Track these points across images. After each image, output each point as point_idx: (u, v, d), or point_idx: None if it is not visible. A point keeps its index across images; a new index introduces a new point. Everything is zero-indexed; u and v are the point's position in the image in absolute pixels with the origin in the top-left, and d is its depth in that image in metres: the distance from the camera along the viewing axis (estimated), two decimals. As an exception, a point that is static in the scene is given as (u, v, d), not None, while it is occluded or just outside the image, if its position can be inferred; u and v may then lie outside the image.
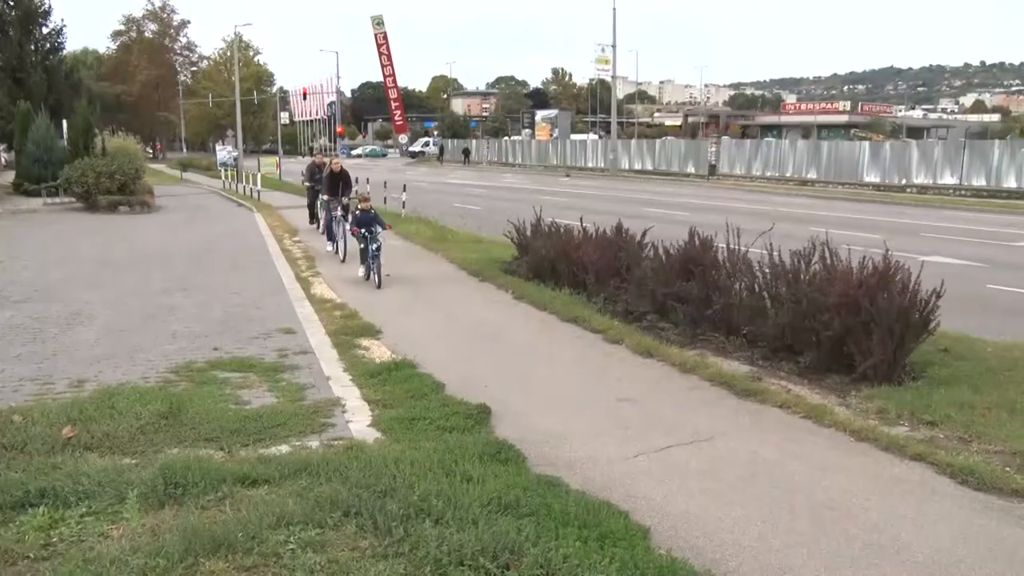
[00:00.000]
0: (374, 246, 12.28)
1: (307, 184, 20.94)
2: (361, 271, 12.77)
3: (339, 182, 16.45)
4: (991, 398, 6.58)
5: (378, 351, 8.58)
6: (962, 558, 4.33)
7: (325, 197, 16.90)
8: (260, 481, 4.80)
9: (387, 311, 10.58)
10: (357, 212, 12.88)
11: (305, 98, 73.63)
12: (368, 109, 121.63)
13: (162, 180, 39.68)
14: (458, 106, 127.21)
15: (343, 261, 14.68)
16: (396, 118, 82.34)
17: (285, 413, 6.31)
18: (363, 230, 12.43)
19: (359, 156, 79.21)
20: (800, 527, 4.67)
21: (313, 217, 20.52)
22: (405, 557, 3.92)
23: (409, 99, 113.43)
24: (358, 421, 6.32)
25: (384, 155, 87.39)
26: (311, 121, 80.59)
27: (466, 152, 70.29)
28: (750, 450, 5.84)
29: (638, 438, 6.08)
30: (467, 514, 4.26)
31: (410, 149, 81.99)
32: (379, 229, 12.51)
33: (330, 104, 77.39)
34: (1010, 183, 33.61)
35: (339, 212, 15.80)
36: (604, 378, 7.73)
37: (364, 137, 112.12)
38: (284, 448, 5.56)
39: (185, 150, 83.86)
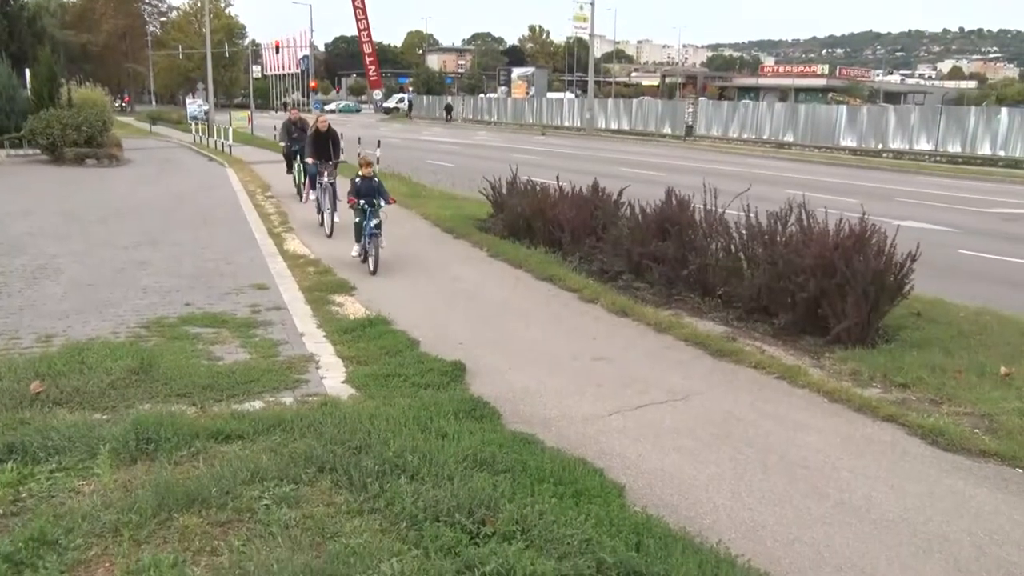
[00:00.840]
0: (373, 222, 10.33)
1: (283, 143, 18.52)
2: (355, 250, 10.82)
3: (327, 143, 14.03)
4: (962, 361, 6.67)
5: (352, 307, 8.51)
6: (931, 516, 4.41)
7: (309, 161, 14.13)
8: (233, 437, 4.75)
9: (360, 267, 10.49)
10: (357, 180, 10.67)
11: (277, 52, 72.03)
12: (342, 64, 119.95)
13: (131, 133, 38.91)
14: (433, 62, 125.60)
15: (330, 236, 12.97)
16: (370, 73, 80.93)
17: (258, 369, 6.25)
18: (362, 202, 10.43)
19: (332, 111, 78.06)
20: (773, 486, 4.71)
21: (291, 167, 18.54)
22: (380, 513, 3.90)
23: (384, 54, 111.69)
24: (332, 377, 6.28)
25: (358, 111, 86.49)
26: (283, 75, 79.12)
27: (448, 109, 69.32)
28: (724, 409, 5.88)
29: (613, 396, 6.10)
30: (443, 470, 4.24)
31: (384, 105, 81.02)
32: (381, 203, 10.50)
33: (303, 58, 75.85)
34: (984, 150, 33.93)
35: (326, 179, 13.49)
36: (579, 337, 7.72)
37: (338, 92, 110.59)
38: (257, 404, 5.51)
39: (154, 103, 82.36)
